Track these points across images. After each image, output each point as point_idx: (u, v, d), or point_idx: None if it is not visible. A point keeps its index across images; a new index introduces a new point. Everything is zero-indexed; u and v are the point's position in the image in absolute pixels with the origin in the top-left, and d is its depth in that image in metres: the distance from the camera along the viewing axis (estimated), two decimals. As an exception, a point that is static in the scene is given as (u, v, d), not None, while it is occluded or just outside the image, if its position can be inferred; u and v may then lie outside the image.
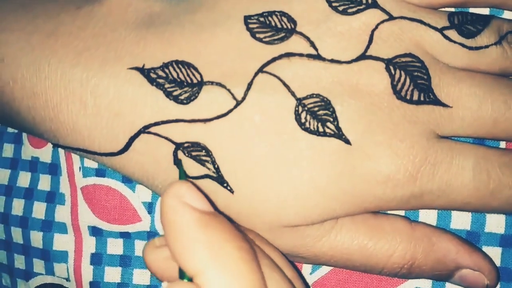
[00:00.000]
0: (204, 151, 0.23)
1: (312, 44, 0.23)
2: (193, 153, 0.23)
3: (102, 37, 0.24)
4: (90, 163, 0.29)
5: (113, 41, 0.23)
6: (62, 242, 0.29)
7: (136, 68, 0.23)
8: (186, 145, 0.23)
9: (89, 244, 0.29)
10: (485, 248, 0.25)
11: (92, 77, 0.23)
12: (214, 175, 0.23)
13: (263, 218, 0.23)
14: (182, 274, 0.19)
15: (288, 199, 0.23)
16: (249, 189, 0.23)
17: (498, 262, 0.25)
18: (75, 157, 0.29)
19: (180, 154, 0.23)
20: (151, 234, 0.29)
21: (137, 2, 0.25)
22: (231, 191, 0.23)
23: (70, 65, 0.23)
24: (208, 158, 0.23)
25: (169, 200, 0.19)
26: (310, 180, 0.22)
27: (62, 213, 0.29)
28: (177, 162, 0.23)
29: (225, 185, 0.23)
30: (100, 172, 0.29)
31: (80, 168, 0.29)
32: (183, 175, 0.21)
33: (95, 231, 0.29)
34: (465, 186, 0.23)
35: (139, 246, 0.29)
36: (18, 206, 0.30)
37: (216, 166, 0.23)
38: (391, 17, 0.23)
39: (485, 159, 0.23)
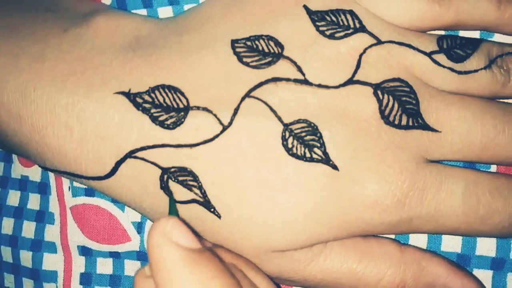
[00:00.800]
0: (190, 176, 0.22)
1: (299, 69, 0.22)
2: (180, 178, 0.22)
3: (88, 60, 0.23)
4: (79, 183, 0.29)
5: (99, 65, 0.23)
6: (51, 261, 0.29)
7: (122, 93, 0.22)
8: (172, 170, 0.22)
9: (79, 264, 0.29)
10: (475, 271, 0.25)
11: (78, 102, 0.23)
12: (201, 200, 0.22)
13: (251, 242, 0.23)
14: None
15: (276, 224, 0.22)
16: (236, 214, 0.22)
17: (488, 286, 0.25)
18: (65, 177, 0.29)
19: (170, 184, 0.23)
20: (140, 254, 0.28)
21: (125, 24, 0.25)
22: (218, 216, 0.23)
23: (56, 90, 0.23)
24: (195, 183, 0.22)
25: (156, 238, 0.19)
26: (297, 205, 0.22)
27: (51, 233, 0.29)
28: (169, 196, 0.22)
29: (212, 210, 0.22)
30: (89, 192, 0.29)
31: (69, 187, 0.29)
32: (173, 210, 0.21)
33: (84, 251, 0.29)
34: (455, 212, 0.22)
35: (128, 265, 0.29)
36: (7, 225, 0.30)
37: (203, 191, 0.22)
38: (379, 42, 0.23)
39: (475, 184, 0.23)
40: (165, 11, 0.27)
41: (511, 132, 0.23)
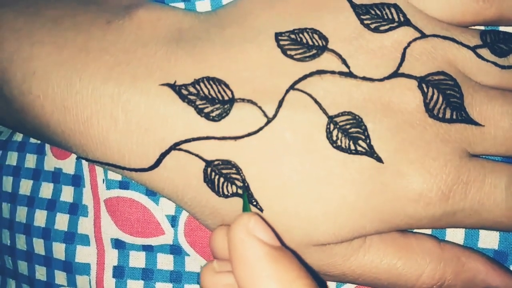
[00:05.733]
0: (234, 169, 0.22)
1: (344, 62, 0.22)
2: (223, 171, 0.22)
3: (132, 52, 0.23)
4: (114, 176, 0.29)
5: (143, 57, 0.23)
6: (84, 254, 0.29)
7: (168, 85, 0.23)
8: (216, 162, 0.22)
9: (112, 257, 0.29)
10: (513, 268, 0.25)
11: (123, 93, 0.23)
12: (244, 192, 0.23)
13: (293, 235, 0.23)
14: None
15: (319, 217, 0.22)
16: (279, 207, 0.23)
17: (525, 282, 0.25)
18: (99, 169, 0.29)
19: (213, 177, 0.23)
20: (174, 248, 0.28)
21: (167, 16, 0.25)
22: (261, 209, 0.23)
23: (101, 80, 0.23)
24: (238, 176, 0.22)
25: (239, 233, 0.19)
26: (341, 198, 0.22)
27: (85, 225, 0.29)
28: (242, 192, 0.22)
29: (254, 203, 0.23)
30: (123, 185, 0.29)
31: (103, 180, 0.29)
32: (247, 206, 0.21)
33: (117, 244, 0.29)
34: (498, 205, 0.22)
35: (161, 259, 0.29)
36: (40, 217, 0.30)
37: (246, 184, 0.22)
38: (423, 35, 0.23)
39: None
40: (203, 5, 0.27)
41: None
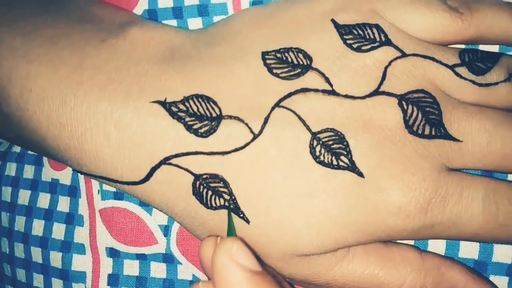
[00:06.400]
0: (222, 182, 0.23)
1: (327, 80, 0.23)
2: (211, 185, 0.23)
3: (125, 70, 0.24)
4: (109, 187, 0.30)
5: (136, 75, 0.24)
6: (80, 262, 0.30)
7: (158, 102, 0.24)
8: (204, 176, 0.23)
9: (107, 265, 0.30)
10: (492, 278, 0.26)
11: (116, 111, 0.24)
12: (231, 206, 0.23)
13: (278, 246, 0.24)
14: None
15: (303, 229, 0.23)
16: (264, 219, 0.23)
17: (505, 292, 0.26)
18: (94, 181, 0.30)
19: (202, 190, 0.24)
20: (166, 256, 0.29)
21: (159, 36, 0.26)
22: (247, 221, 0.23)
23: (95, 99, 0.24)
24: (225, 190, 0.23)
25: (222, 258, 0.20)
26: (323, 211, 0.23)
27: (81, 234, 0.30)
28: (228, 215, 0.23)
29: (241, 215, 0.23)
30: (118, 195, 0.30)
31: (98, 191, 0.30)
32: (232, 229, 0.22)
33: (112, 253, 0.30)
34: (475, 218, 0.23)
35: (154, 267, 0.30)
36: (38, 227, 0.31)
37: (233, 197, 0.23)
38: (404, 54, 0.24)
39: (494, 191, 0.24)
40: (194, 22, 0.28)
41: None
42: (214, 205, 0.24)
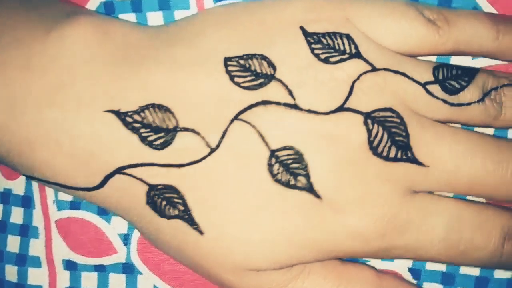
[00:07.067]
0: (176, 193, 0.23)
1: (290, 93, 0.22)
2: (166, 195, 0.23)
3: (76, 70, 0.23)
4: (65, 196, 0.29)
5: (88, 78, 0.23)
6: (36, 276, 0.29)
7: (112, 111, 0.23)
8: (159, 187, 0.23)
9: (63, 278, 0.29)
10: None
11: (67, 119, 0.23)
12: (185, 216, 0.23)
13: (231, 259, 0.23)
14: None
15: (257, 244, 0.23)
16: (219, 232, 0.23)
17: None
18: (49, 190, 0.29)
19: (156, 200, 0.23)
20: (126, 266, 0.29)
21: (114, 31, 0.24)
22: (201, 232, 0.23)
23: (45, 104, 0.23)
24: (180, 201, 0.23)
25: None
26: (279, 228, 0.23)
27: (36, 247, 0.29)
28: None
29: (195, 226, 0.23)
30: (74, 205, 0.29)
31: (54, 201, 0.29)
32: None
33: (69, 265, 0.29)
34: (434, 246, 0.23)
35: (113, 279, 0.29)
36: (-9, 240, 0.30)
37: (187, 208, 0.23)
38: (374, 69, 0.23)
39: (458, 219, 0.23)
40: (154, 16, 0.27)
41: (500, 173, 0.23)
42: (168, 214, 0.23)
